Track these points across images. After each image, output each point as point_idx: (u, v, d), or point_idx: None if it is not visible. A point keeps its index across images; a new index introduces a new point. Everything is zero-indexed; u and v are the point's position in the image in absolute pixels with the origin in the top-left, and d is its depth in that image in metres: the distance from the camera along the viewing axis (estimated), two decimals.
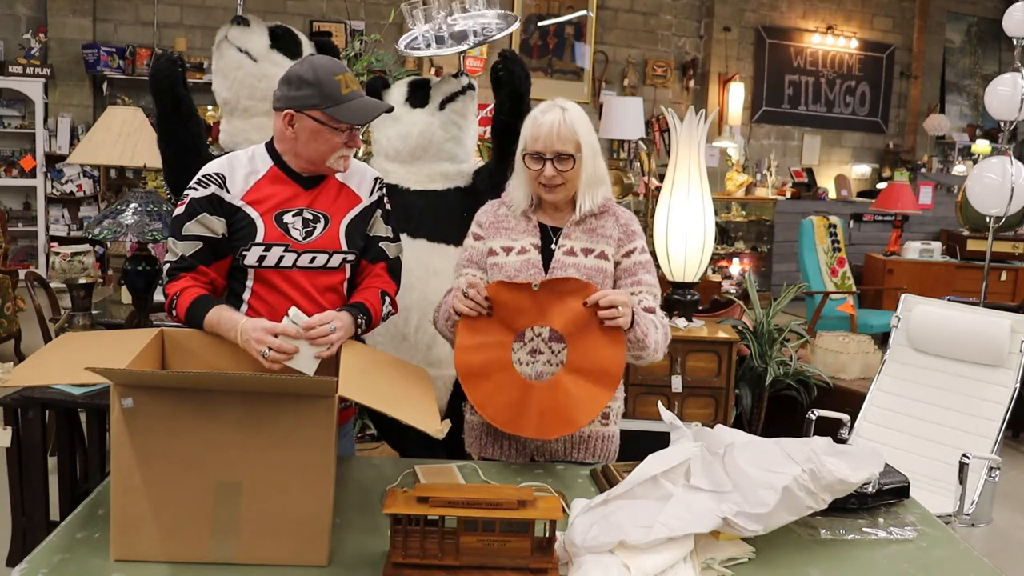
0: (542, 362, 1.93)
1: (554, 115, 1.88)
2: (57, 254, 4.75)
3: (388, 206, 2.04)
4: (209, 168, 1.90)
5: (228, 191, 1.86)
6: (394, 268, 2.03)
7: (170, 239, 1.89)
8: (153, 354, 1.73)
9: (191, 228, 1.85)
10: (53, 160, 7.28)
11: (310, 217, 1.90)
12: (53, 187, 7.33)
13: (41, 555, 1.42)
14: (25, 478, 2.66)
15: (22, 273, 4.70)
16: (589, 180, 1.93)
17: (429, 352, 2.61)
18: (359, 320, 1.84)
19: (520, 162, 1.94)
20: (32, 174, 7.23)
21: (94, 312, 2.86)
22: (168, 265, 1.88)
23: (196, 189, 1.87)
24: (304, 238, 1.89)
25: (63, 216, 7.45)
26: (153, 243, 3.21)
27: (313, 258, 1.90)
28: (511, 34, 3.19)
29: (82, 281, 2.78)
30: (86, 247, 4.92)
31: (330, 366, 1.73)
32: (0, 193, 7.35)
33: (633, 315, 1.82)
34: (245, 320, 1.75)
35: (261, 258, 1.87)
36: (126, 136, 4.49)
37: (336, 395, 1.43)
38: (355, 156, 3.42)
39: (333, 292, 1.95)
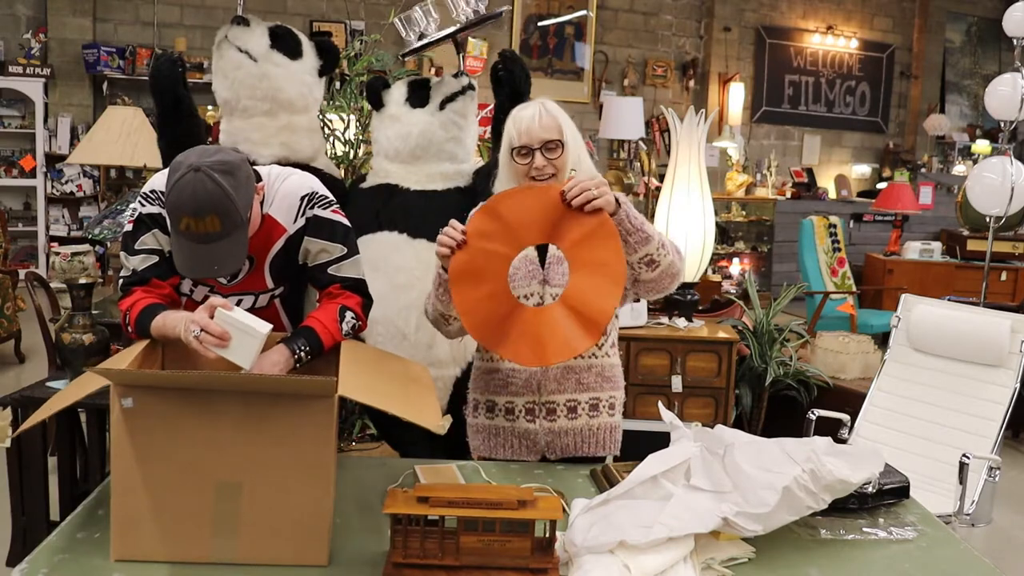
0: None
1: (534, 108, 1.90)
2: (57, 254, 4.75)
3: (332, 219, 1.85)
4: (155, 183, 1.81)
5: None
6: (349, 285, 1.87)
7: (122, 255, 1.82)
8: (153, 354, 1.73)
9: (145, 241, 1.79)
10: (53, 160, 7.28)
11: None
12: (53, 187, 7.33)
13: (41, 555, 1.42)
14: (25, 478, 2.66)
15: (22, 273, 4.71)
16: (577, 169, 1.92)
17: (429, 351, 2.61)
18: (297, 354, 1.72)
19: (508, 161, 1.91)
20: (32, 174, 7.23)
21: (94, 312, 2.85)
22: (121, 281, 1.82)
23: (143, 205, 1.80)
24: (229, 281, 1.85)
25: (63, 216, 7.44)
26: None
27: (240, 300, 1.86)
28: (511, 34, 3.18)
29: (82, 281, 2.77)
30: (86, 247, 4.93)
31: (330, 366, 1.73)
32: (0, 193, 7.35)
33: (619, 201, 1.77)
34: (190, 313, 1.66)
35: (191, 291, 1.86)
36: (126, 136, 4.50)
37: (336, 395, 1.43)
38: (356, 156, 3.43)
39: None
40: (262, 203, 1.81)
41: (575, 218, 1.75)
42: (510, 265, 1.83)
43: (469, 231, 1.80)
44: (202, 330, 1.60)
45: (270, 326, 1.66)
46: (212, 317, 1.62)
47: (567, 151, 1.90)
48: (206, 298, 1.84)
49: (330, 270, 1.86)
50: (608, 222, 1.76)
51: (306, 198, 1.84)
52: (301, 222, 1.83)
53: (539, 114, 1.88)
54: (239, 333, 1.63)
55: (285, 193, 1.84)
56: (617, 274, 1.75)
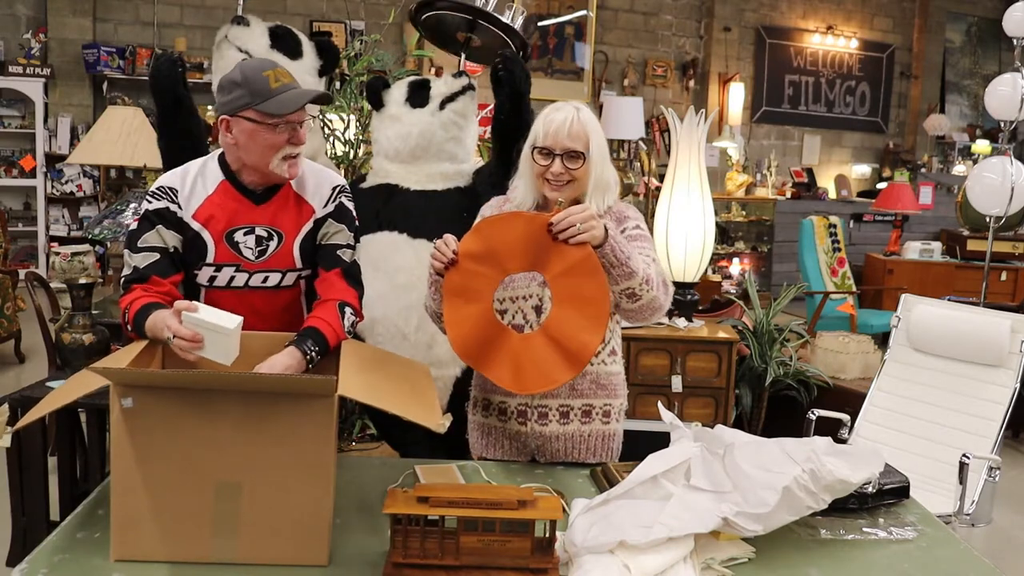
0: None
1: (567, 113, 1.88)
2: (57, 254, 4.76)
3: (353, 212, 1.98)
4: (163, 181, 1.86)
5: (180, 207, 1.83)
6: (350, 272, 1.95)
7: (126, 253, 1.84)
8: (153, 354, 1.73)
9: (148, 239, 1.81)
10: (53, 160, 7.28)
11: (263, 235, 1.86)
12: (53, 187, 7.33)
13: (41, 555, 1.42)
14: (25, 478, 2.66)
15: (22, 273, 4.71)
16: (597, 183, 1.91)
17: (429, 351, 2.61)
18: (309, 354, 1.74)
19: (528, 157, 1.92)
20: (32, 174, 7.23)
21: (94, 312, 2.85)
22: (123, 279, 1.84)
23: (150, 202, 1.83)
24: (257, 257, 1.86)
25: (63, 216, 7.45)
26: None
27: (266, 277, 1.88)
28: None
29: (82, 281, 2.78)
30: (86, 247, 4.94)
31: (330, 365, 1.73)
32: (0, 193, 7.35)
33: (608, 234, 1.75)
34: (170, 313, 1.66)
35: (212, 278, 1.86)
36: (126, 136, 4.50)
37: (336, 395, 1.43)
38: (356, 156, 3.44)
39: (288, 311, 1.92)
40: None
41: (560, 250, 1.76)
42: (496, 289, 1.85)
43: (460, 251, 1.83)
44: (174, 335, 1.62)
45: (239, 319, 1.65)
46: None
47: (589, 163, 1.88)
48: (231, 280, 1.86)
49: (338, 252, 1.94)
50: (592, 257, 1.75)
51: (338, 188, 1.97)
52: (330, 207, 1.94)
53: (571, 121, 1.86)
54: (209, 332, 1.62)
55: (320, 180, 1.95)
56: (600, 312, 1.77)
